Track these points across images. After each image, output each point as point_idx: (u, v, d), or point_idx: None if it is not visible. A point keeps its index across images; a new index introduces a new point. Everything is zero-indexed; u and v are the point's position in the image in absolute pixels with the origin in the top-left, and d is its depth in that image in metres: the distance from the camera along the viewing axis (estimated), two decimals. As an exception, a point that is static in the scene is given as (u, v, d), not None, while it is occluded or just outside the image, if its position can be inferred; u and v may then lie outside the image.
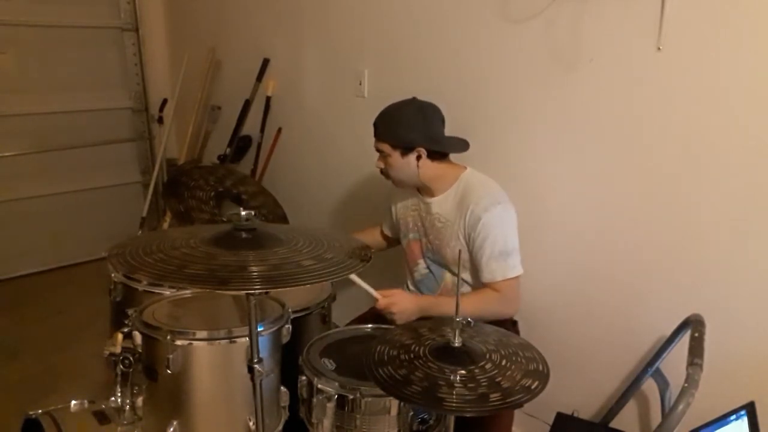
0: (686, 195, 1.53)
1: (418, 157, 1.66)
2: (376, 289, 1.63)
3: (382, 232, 2.04)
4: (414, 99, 1.70)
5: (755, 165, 1.39)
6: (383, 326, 1.58)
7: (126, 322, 1.43)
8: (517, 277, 1.65)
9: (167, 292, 1.60)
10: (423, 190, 1.77)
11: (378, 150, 1.72)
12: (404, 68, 2.22)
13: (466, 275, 1.72)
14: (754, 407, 1.24)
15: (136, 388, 1.43)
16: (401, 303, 1.60)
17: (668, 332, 1.56)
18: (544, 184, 1.84)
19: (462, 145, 1.73)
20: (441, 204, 1.73)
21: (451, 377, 1.07)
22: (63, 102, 3.45)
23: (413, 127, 1.65)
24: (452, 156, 1.74)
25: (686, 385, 1.22)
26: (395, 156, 1.67)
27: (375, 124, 1.70)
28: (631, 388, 1.65)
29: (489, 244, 1.62)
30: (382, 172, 1.76)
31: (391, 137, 1.67)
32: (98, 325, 2.45)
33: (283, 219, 2.38)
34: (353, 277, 1.58)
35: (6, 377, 2.38)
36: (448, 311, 1.50)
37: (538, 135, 1.82)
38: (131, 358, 1.39)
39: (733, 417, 1.23)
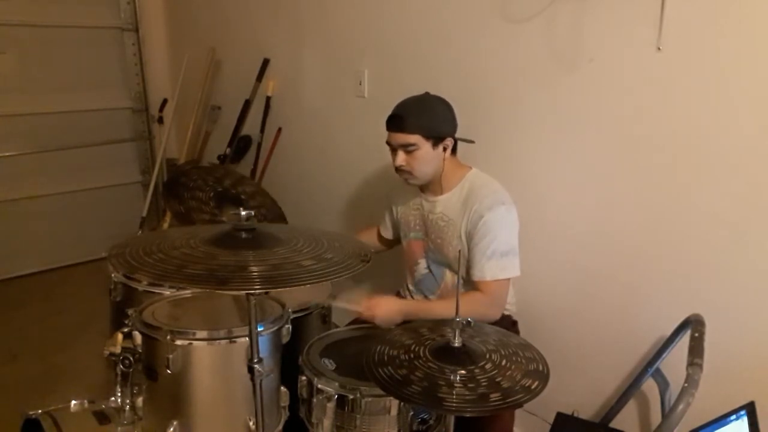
0: (686, 195, 1.53)
1: (444, 149, 1.65)
2: (369, 294, 1.64)
3: (379, 235, 2.03)
4: (428, 93, 1.69)
5: (755, 165, 1.39)
6: (383, 326, 1.59)
7: (126, 322, 1.43)
8: (508, 279, 1.63)
9: (167, 292, 1.60)
10: (430, 188, 1.76)
11: (400, 145, 1.62)
12: (404, 68, 2.22)
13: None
14: (754, 407, 1.24)
15: (136, 388, 1.42)
16: (383, 306, 1.58)
17: (668, 332, 1.56)
18: (543, 183, 1.84)
19: (468, 140, 1.73)
20: (445, 203, 1.72)
21: (451, 377, 1.07)
22: (63, 102, 3.45)
23: (443, 118, 1.64)
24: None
25: (686, 385, 1.22)
26: (426, 148, 1.61)
27: (400, 116, 1.60)
28: (631, 388, 1.65)
29: (486, 243, 1.61)
30: (399, 169, 1.66)
31: (425, 127, 1.60)
32: (98, 325, 2.44)
33: (282, 218, 2.37)
34: (336, 303, 1.68)
35: (6, 377, 2.38)
36: (433, 316, 1.51)
37: (538, 134, 1.82)
38: (131, 358, 1.39)
39: (733, 417, 1.23)
